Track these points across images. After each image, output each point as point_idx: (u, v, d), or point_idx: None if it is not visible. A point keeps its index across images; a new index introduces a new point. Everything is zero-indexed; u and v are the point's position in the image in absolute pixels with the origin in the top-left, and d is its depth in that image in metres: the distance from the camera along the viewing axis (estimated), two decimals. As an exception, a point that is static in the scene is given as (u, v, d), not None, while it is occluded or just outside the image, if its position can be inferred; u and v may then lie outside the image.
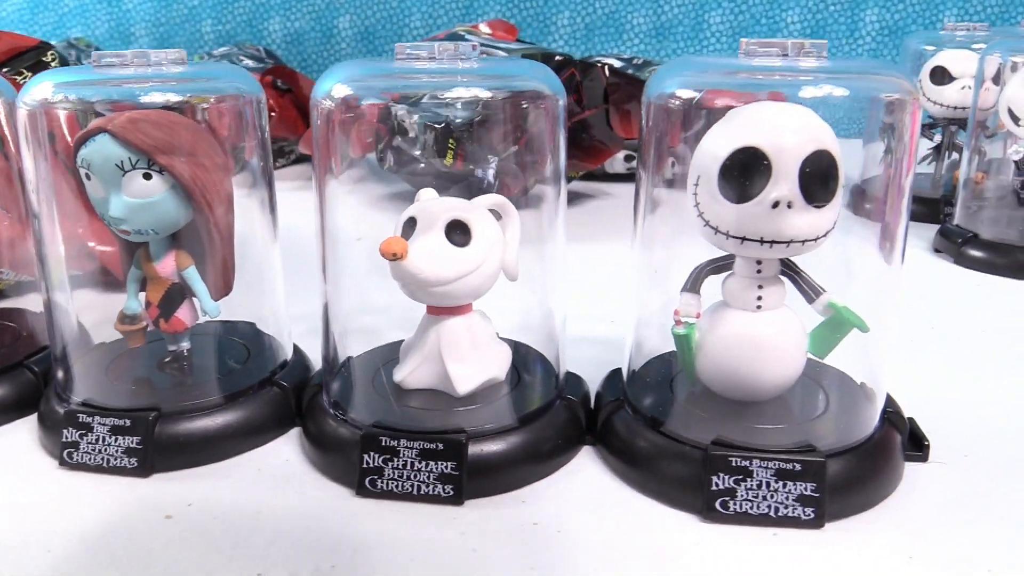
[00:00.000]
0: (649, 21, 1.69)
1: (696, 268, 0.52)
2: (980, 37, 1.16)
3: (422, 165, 0.98)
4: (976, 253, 0.94)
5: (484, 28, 1.30)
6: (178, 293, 0.57)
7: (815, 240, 0.47)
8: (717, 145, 0.47)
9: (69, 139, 0.54)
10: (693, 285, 0.52)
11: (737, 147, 0.46)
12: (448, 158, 0.95)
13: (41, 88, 0.54)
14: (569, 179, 1.19)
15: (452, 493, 0.49)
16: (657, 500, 0.50)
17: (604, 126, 1.12)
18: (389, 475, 0.50)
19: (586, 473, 0.53)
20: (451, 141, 0.96)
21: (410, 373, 0.55)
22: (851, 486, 0.48)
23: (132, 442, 0.53)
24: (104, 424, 0.53)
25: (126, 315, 0.58)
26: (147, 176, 0.52)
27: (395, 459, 0.50)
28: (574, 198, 1.25)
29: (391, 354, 0.59)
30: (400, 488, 0.50)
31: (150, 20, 1.75)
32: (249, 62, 1.52)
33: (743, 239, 0.47)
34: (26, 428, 0.59)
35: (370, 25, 1.71)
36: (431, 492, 0.49)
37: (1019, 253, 0.91)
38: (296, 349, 0.64)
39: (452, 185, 0.97)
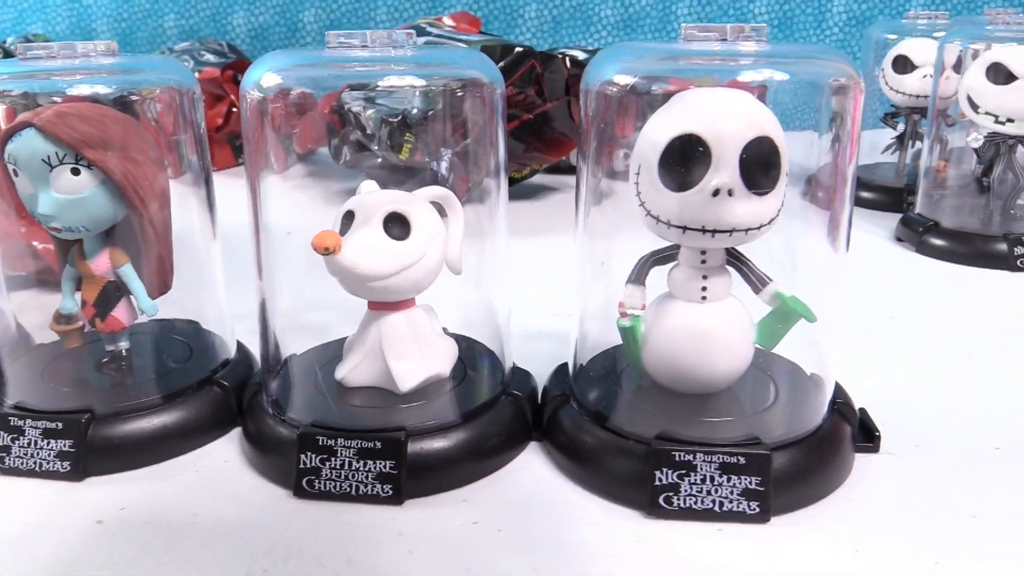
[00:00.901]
0: (617, 13, 1.68)
1: (640, 259, 0.51)
2: (942, 25, 1.16)
3: (379, 160, 0.96)
4: (937, 241, 0.94)
5: (448, 21, 1.29)
6: (114, 291, 0.55)
7: (758, 228, 0.46)
8: (656, 132, 0.46)
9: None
10: (638, 276, 0.51)
11: (676, 134, 0.45)
12: (404, 152, 0.94)
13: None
14: (532, 172, 1.18)
15: (391, 493, 0.48)
16: (602, 496, 0.49)
17: (566, 118, 1.11)
18: (326, 475, 0.49)
19: (530, 470, 0.52)
20: (408, 135, 0.95)
21: (351, 370, 0.53)
22: (797, 479, 0.47)
23: (64, 445, 0.51)
24: (36, 427, 0.52)
25: (61, 315, 0.56)
26: (75, 171, 0.51)
27: (332, 459, 0.49)
28: (537, 191, 1.24)
29: (334, 352, 0.58)
30: (338, 488, 0.48)
31: (111, 15, 1.72)
32: (211, 57, 1.50)
33: (685, 228, 0.46)
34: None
35: (335, 19, 1.69)
36: (370, 492, 0.48)
37: (979, 241, 0.91)
38: (240, 347, 0.63)
39: (408, 180, 0.96)
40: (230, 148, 1.39)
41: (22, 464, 0.51)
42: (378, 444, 0.48)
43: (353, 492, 0.48)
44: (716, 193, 0.44)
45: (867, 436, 0.52)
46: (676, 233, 0.47)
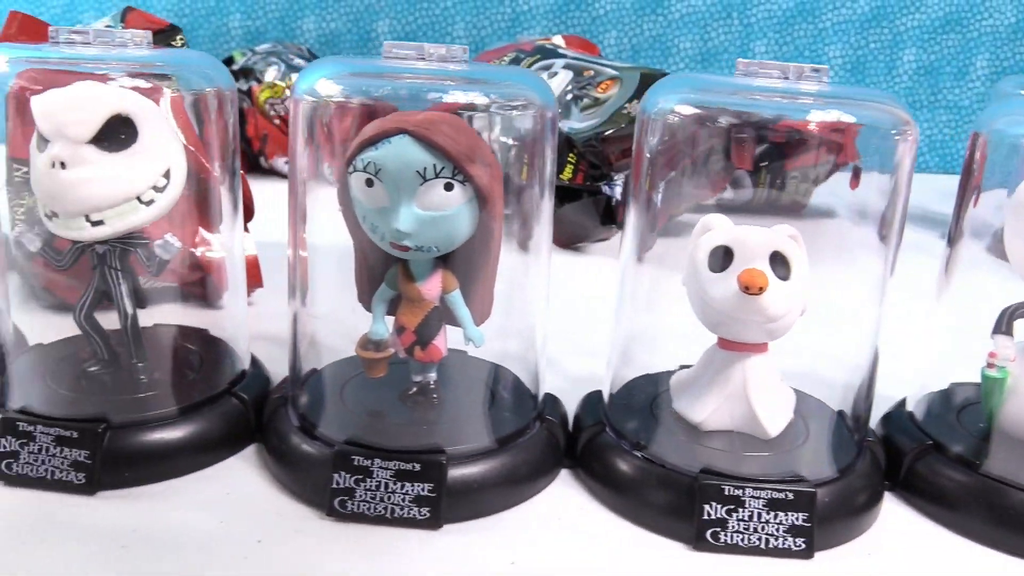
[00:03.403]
0: (695, 46, 1.65)
1: (1006, 310, 0.51)
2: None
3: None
4: None
5: (558, 41, 1.26)
6: (437, 318, 0.51)
7: None
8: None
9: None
10: (1006, 327, 0.50)
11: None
12: (566, 172, 0.92)
13: (325, 84, 0.49)
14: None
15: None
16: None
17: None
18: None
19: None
20: (571, 155, 0.93)
21: (711, 414, 0.51)
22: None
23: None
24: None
25: (371, 340, 0.51)
26: (448, 186, 0.45)
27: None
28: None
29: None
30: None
31: (171, 10, 1.64)
32: (300, 61, 1.44)
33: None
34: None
35: (411, 31, 1.65)
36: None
37: None
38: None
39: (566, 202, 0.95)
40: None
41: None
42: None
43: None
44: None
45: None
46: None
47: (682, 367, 0.58)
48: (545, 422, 0.53)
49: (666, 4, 1.62)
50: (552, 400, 0.56)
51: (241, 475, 0.51)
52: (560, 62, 1.09)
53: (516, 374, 0.56)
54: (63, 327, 0.61)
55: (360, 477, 0.47)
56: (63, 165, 0.48)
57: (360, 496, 0.47)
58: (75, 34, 0.50)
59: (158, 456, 0.50)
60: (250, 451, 0.54)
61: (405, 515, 0.46)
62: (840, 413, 0.54)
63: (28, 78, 0.51)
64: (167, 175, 0.51)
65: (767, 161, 0.74)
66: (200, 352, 0.59)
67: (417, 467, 0.47)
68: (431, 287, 0.50)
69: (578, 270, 0.96)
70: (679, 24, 1.63)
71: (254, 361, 0.60)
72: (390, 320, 0.52)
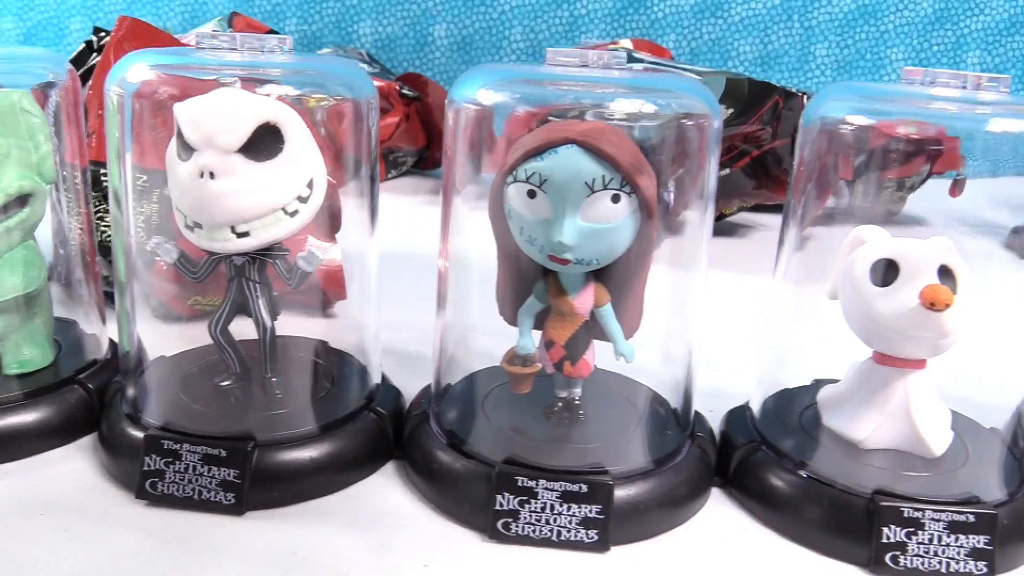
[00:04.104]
0: (755, 49, 1.63)
1: None
2: None
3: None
4: None
5: (626, 44, 1.24)
6: (586, 333, 0.49)
7: None
8: None
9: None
10: None
11: None
12: None
13: (485, 93, 0.48)
14: (740, 208, 1.14)
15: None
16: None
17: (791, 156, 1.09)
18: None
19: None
20: None
21: (873, 431, 0.50)
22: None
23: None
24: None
25: (518, 355, 0.50)
26: (616, 198, 0.44)
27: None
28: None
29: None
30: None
31: (227, 13, 1.61)
32: (364, 66, 1.42)
33: None
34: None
35: (467, 35, 1.63)
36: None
37: None
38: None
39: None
40: (383, 162, 1.34)
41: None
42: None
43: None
44: None
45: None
46: None
47: (817, 381, 0.57)
48: (696, 440, 0.51)
49: (726, 7, 1.61)
50: (699, 417, 0.54)
51: (388, 494, 0.50)
52: (638, 67, 1.08)
53: (655, 389, 0.55)
54: (172, 336, 0.60)
55: (524, 499, 0.46)
56: (212, 175, 0.46)
57: (525, 518, 0.45)
58: (221, 40, 0.49)
59: (304, 475, 0.49)
60: (390, 468, 0.52)
61: (572, 538, 0.45)
62: (993, 430, 0.53)
63: (164, 84, 0.50)
64: (310, 185, 0.50)
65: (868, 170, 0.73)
66: (331, 365, 0.57)
67: (584, 488, 0.45)
68: (584, 301, 0.48)
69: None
70: (739, 27, 1.62)
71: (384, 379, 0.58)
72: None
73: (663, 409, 0.54)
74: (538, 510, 0.45)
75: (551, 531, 0.45)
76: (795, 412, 0.54)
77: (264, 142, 0.47)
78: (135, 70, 0.49)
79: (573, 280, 0.48)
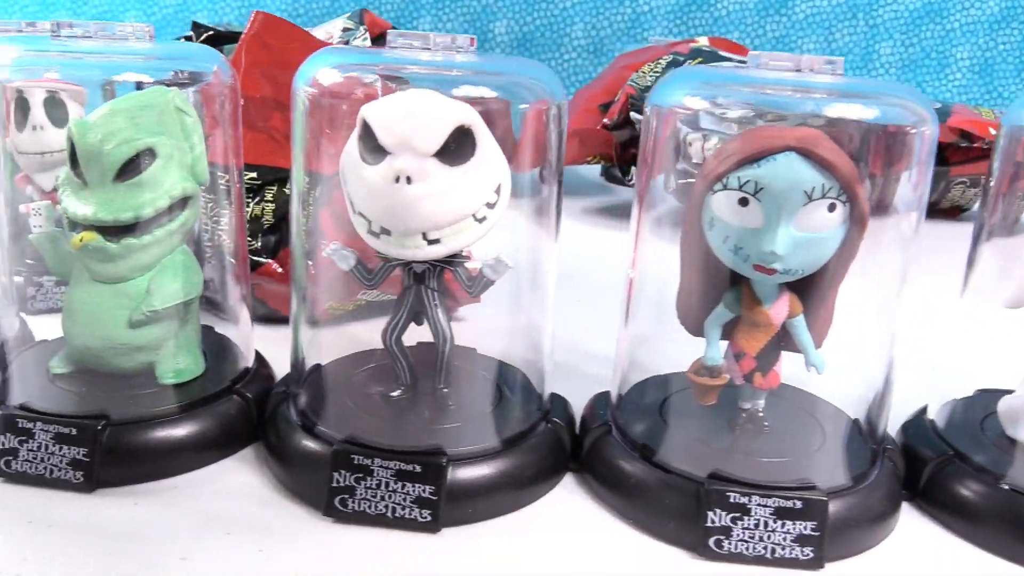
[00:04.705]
0: (819, 47, 1.63)
1: None
2: None
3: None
4: None
5: (703, 41, 1.22)
6: (776, 343, 0.48)
7: None
8: None
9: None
10: None
11: None
12: None
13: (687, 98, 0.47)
14: None
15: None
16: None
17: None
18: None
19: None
20: None
21: None
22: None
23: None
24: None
25: (706, 366, 0.48)
26: (832, 207, 0.43)
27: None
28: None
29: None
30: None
31: (285, 11, 1.62)
32: None
33: None
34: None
35: (528, 32, 1.63)
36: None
37: None
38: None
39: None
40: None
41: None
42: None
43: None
44: None
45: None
46: None
47: (982, 391, 0.56)
48: (887, 453, 0.50)
49: (790, 4, 1.60)
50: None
51: (569, 507, 0.49)
52: (727, 65, 1.06)
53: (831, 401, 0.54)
54: (321, 342, 0.58)
55: (738, 515, 0.44)
56: (408, 180, 0.45)
57: (738, 535, 0.44)
58: (412, 39, 0.47)
59: (492, 490, 0.47)
60: (569, 481, 0.51)
61: (787, 555, 0.44)
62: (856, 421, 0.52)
63: (350, 86, 0.48)
64: (498, 191, 0.48)
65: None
66: (495, 376, 0.56)
67: (799, 504, 0.44)
68: (779, 311, 0.47)
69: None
70: (803, 25, 1.61)
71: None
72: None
73: (848, 423, 0.52)
74: (751, 527, 0.44)
75: (765, 548, 0.44)
76: (975, 423, 0.53)
77: (458, 146, 0.46)
78: (324, 72, 0.47)
79: (768, 290, 0.47)
